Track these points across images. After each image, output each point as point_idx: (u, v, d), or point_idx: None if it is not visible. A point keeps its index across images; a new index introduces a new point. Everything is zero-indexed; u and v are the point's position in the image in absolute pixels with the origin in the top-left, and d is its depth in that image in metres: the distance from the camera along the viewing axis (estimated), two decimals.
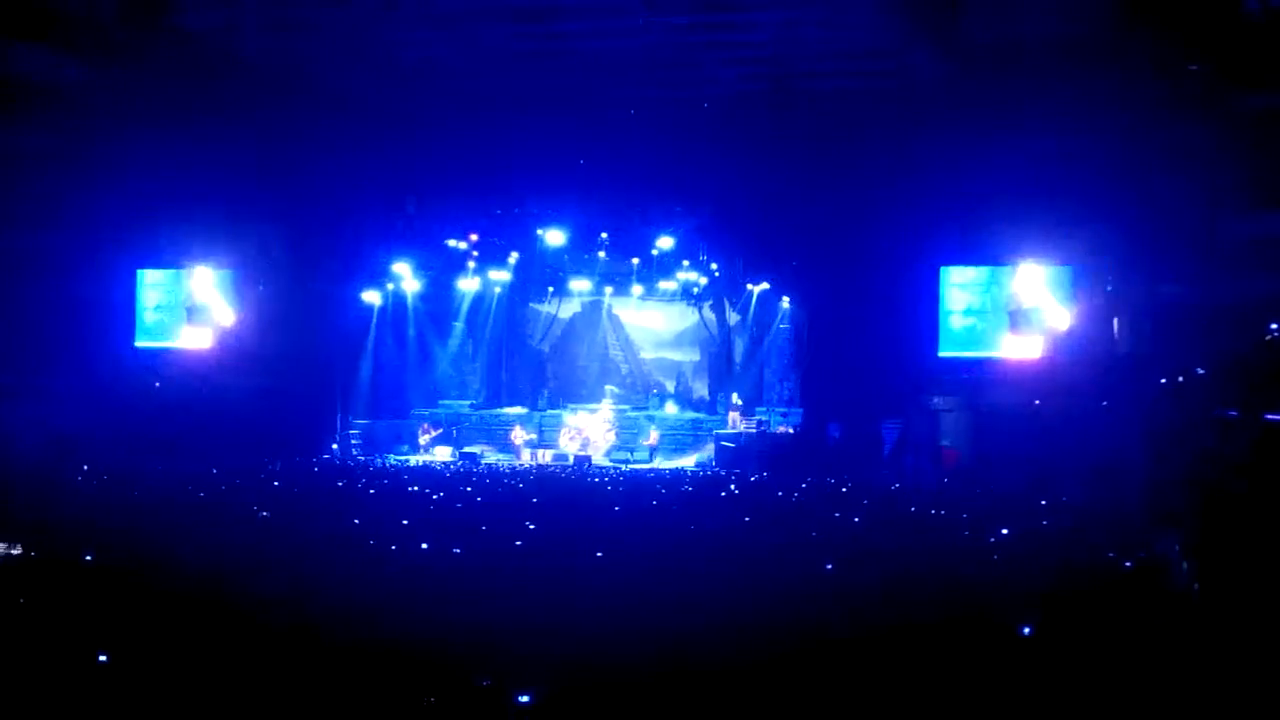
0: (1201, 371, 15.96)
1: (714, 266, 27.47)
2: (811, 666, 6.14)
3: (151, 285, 25.21)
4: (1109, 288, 20.68)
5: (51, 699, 5.51)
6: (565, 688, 5.69)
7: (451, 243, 26.54)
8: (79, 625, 6.72)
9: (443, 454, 26.17)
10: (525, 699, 5.49)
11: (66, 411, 22.49)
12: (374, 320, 27.10)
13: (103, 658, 5.95)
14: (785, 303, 27.18)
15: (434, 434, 26.87)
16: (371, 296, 26.70)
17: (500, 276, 28.57)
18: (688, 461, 25.42)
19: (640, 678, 5.89)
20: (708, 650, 6.34)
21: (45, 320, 23.05)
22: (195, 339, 24.84)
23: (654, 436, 26.28)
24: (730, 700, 5.64)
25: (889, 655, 6.40)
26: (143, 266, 25.13)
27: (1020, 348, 21.25)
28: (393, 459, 25.26)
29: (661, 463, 25.44)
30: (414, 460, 25.17)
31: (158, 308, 25.14)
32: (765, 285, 27.21)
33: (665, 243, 25.67)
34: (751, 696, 5.68)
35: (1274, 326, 14.81)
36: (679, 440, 26.70)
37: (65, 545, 9.70)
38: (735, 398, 26.63)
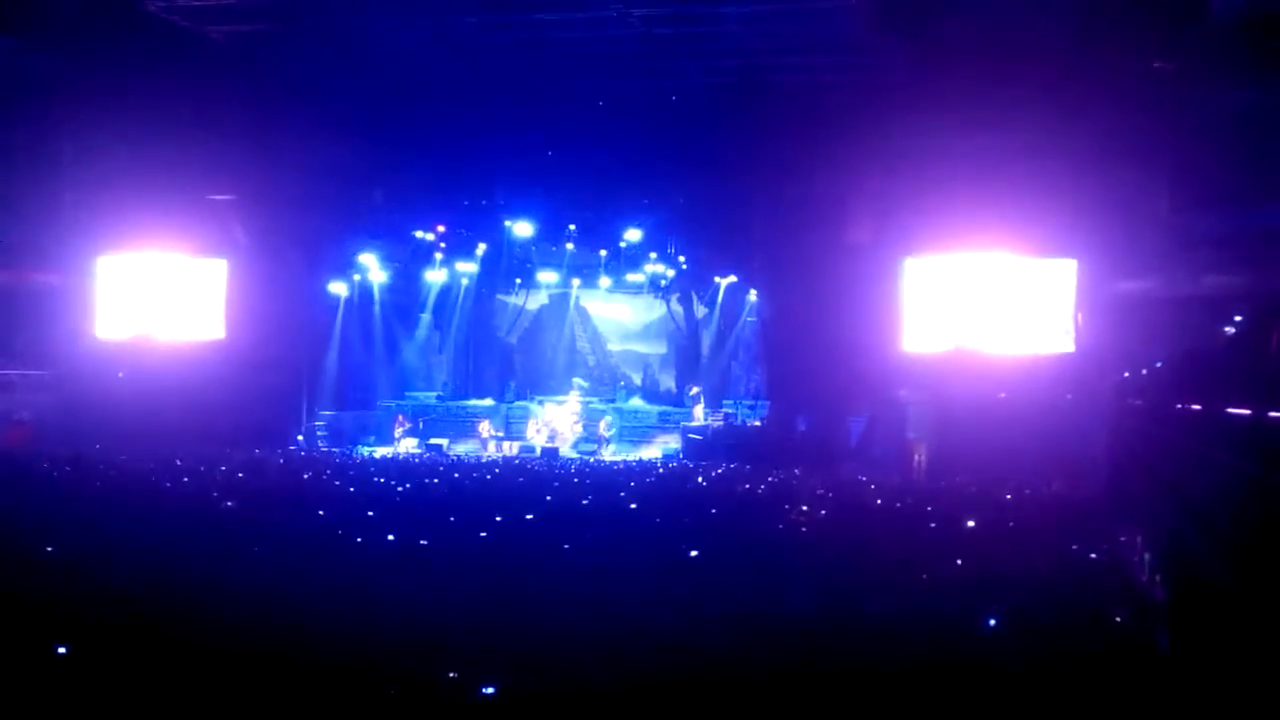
0: (1164, 365, 16.09)
1: (681, 259, 27.45)
2: (776, 658, 6.14)
3: (112, 274, 24.96)
4: (1073, 281, 20.84)
5: (10, 690, 5.44)
6: (528, 680, 5.67)
7: (418, 234, 26.41)
8: (39, 617, 6.64)
9: (408, 445, 26.06)
10: (489, 690, 5.47)
11: (27, 401, 22.29)
12: (340, 311, 26.94)
13: (61, 650, 5.88)
14: (752, 296, 27.20)
15: (406, 426, 26.77)
16: (338, 288, 26.54)
17: (467, 268, 28.43)
18: (651, 453, 25.39)
19: (603, 670, 5.88)
20: (670, 643, 6.33)
21: (4, 309, 22.81)
22: (157, 329, 24.63)
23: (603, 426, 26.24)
24: (694, 693, 5.63)
25: (853, 647, 6.42)
26: (105, 255, 24.88)
27: (986, 340, 21.37)
28: (363, 450, 25.12)
29: (620, 454, 25.44)
30: (379, 452, 25.01)
31: (120, 296, 24.89)
32: (732, 278, 27.24)
33: (633, 235, 25.66)
34: (715, 689, 5.68)
35: (1238, 320, 14.95)
36: (645, 431, 26.68)
37: (25, 536, 9.58)
38: (693, 390, 26.61)
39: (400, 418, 26.99)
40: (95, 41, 19.03)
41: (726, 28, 18.92)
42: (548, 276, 29.34)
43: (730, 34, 19.13)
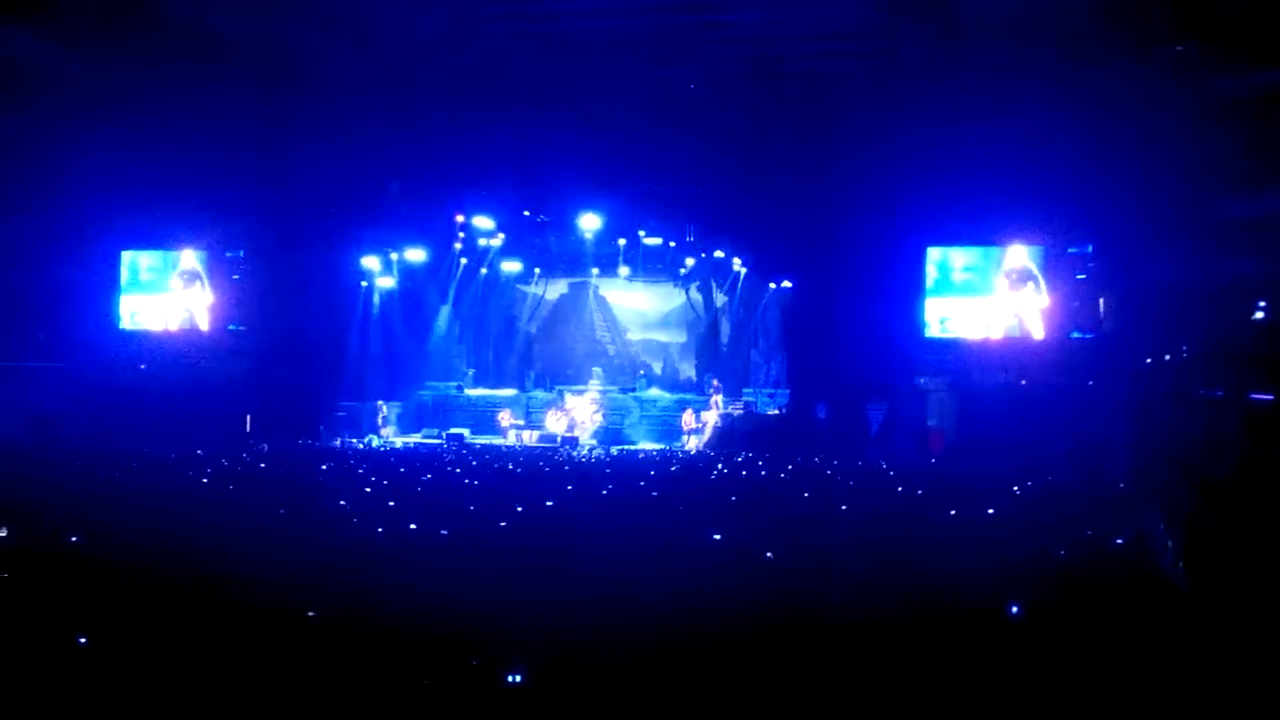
0: (1187, 351, 16.02)
1: (697, 247, 27.38)
2: (799, 645, 6.14)
3: (135, 267, 25.12)
4: (1094, 267, 20.75)
5: (33, 680, 5.48)
6: (554, 667, 5.68)
7: (437, 224, 26.42)
8: (63, 607, 6.68)
9: (411, 436, 26.18)
10: (515, 678, 5.49)
11: (51, 394, 22.43)
12: (360, 303, 27.00)
13: (82, 640, 5.91)
14: (772, 284, 27.15)
15: (384, 412, 26.89)
16: (358, 278, 26.60)
17: (487, 258, 28.44)
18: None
19: (628, 656, 5.89)
20: (695, 628, 6.34)
21: (29, 302, 22.96)
22: (178, 321, 24.76)
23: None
24: (718, 679, 5.64)
25: (877, 635, 6.41)
26: (126, 248, 25.05)
27: (1006, 327, 21.30)
28: (377, 440, 25.22)
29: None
30: (398, 443, 25.09)
31: (141, 289, 25.04)
32: (752, 266, 27.22)
33: (651, 223, 25.65)
34: (739, 676, 5.68)
35: (1261, 305, 14.87)
36: (665, 422, 26.63)
37: (49, 527, 9.64)
38: (715, 382, 26.50)
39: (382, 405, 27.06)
40: (108, 35, 19.08)
41: (746, 14, 18.87)
42: (566, 265, 29.36)
43: (750, 20, 19.08)
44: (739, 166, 22.38)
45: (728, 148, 21.95)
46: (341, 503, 12.17)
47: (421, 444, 24.87)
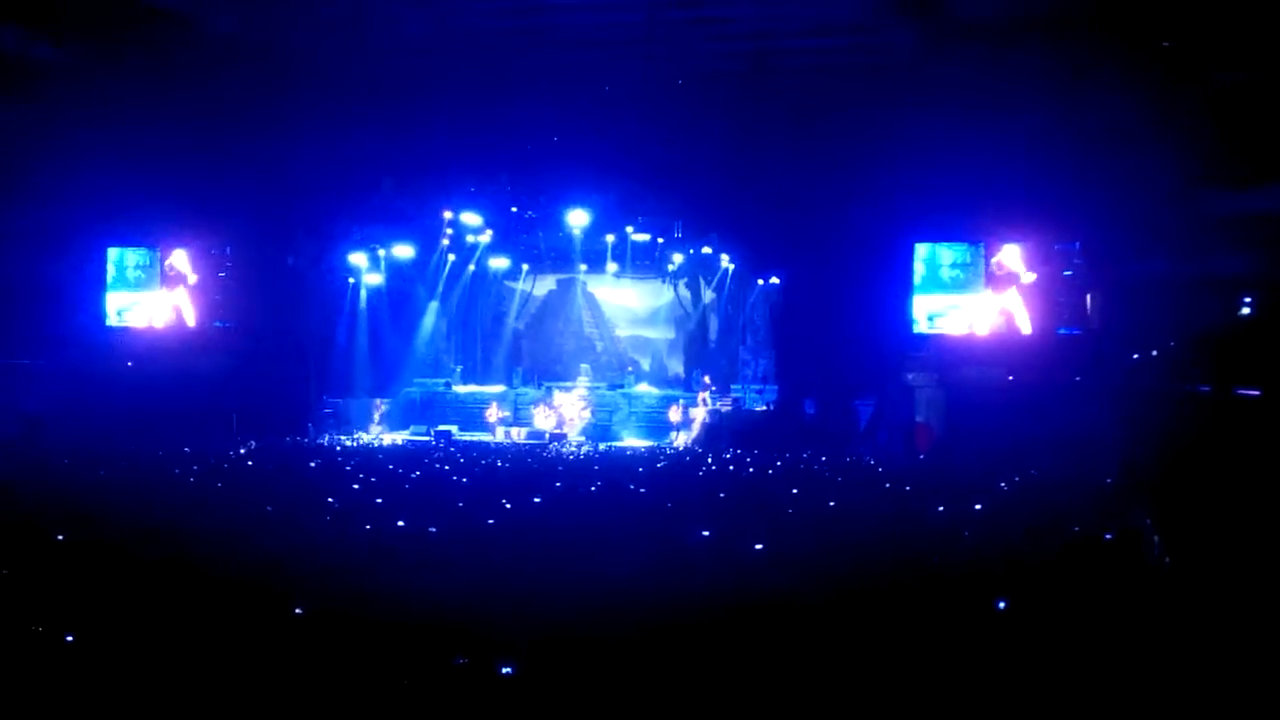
0: (1174, 346, 16.07)
1: (685, 243, 27.39)
2: (789, 642, 6.15)
3: (120, 264, 25.03)
4: (1081, 263, 20.80)
5: (18, 678, 5.47)
6: (546, 659, 5.69)
7: (425, 221, 26.36)
8: (49, 604, 6.66)
9: (399, 432, 26.10)
10: (508, 670, 5.50)
11: (36, 391, 22.35)
12: (349, 298, 26.95)
13: (69, 638, 5.90)
14: (760, 280, 27.15)
15: (382, 409, 26.80)
16: (346, 274, 26.55)
17: (475, 254, 28.41)
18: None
19: (616, 648, 5.90)
20: (686, 622, 6.35)
21: (14, 299, 22.85)
22: (165, 318, 24.68)
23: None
24: (707, 672, 5.65)
25: (865, 629, 6.43)
26: (111, 245, 24.96)
27: (994, 323, 21.34)
28: (364, 437, 25.19)
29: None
30: (386, 439, 25.05)
31: (127, 286, 24.95)
32: (741, 262, 27.22)
33: (639, 219, 25.65)
34: (728, 668, 5.69)
35: (1247, 301, 14.92)
36: (653, 418, 26.61)
37: (35, 524, 9.61)
38: (706, 379, 26.48)
39: (377, 403, 26.98)
40: (98, 30, 19.01)
41: (738, 10, 18.87)
42: (555, 261, 29.34)
43: (742, 16, 19.07)
44: (727, 162, 22.37)
45: (716, 143, 21.94)
46: (330, 500, 12.15)
47: (410, 440, 24.84)
